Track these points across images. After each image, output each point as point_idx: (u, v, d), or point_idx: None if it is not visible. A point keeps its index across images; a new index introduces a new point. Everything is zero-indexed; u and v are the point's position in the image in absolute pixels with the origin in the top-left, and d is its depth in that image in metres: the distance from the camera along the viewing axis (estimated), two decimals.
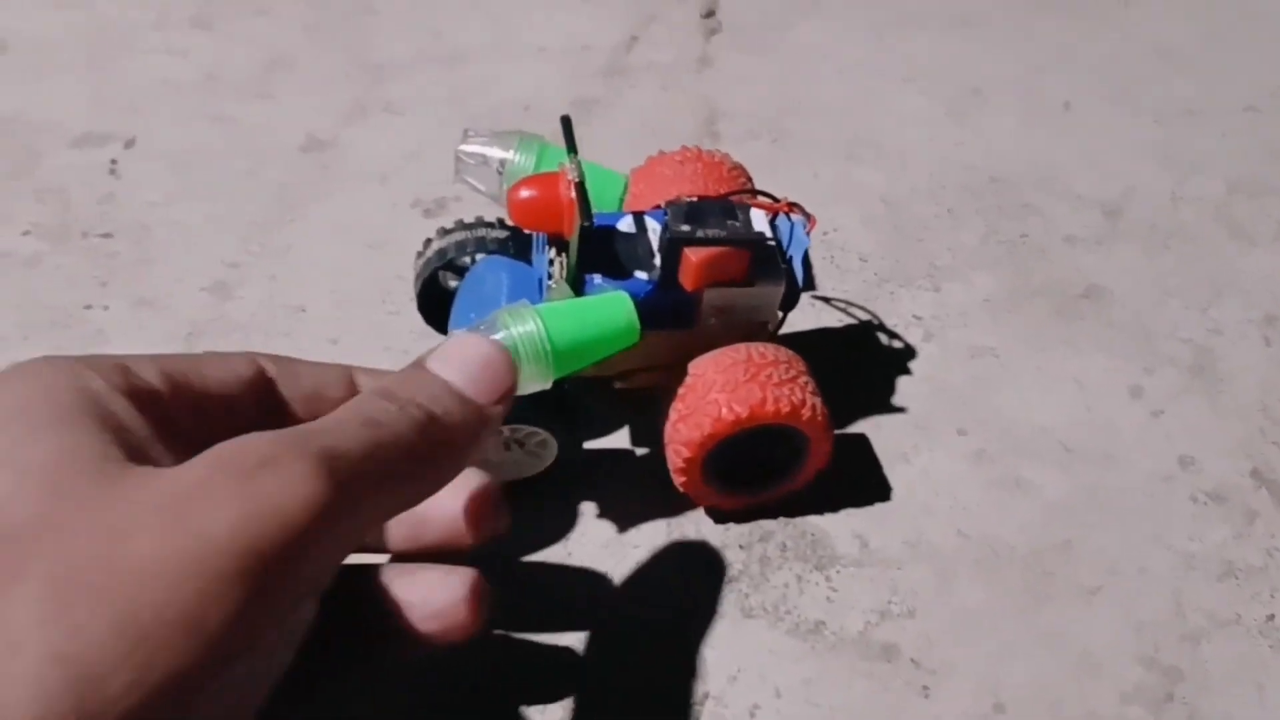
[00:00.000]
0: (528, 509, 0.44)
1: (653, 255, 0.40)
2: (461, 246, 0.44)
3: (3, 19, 0.62)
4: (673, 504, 0.44)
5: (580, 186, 0.38)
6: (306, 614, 0.26)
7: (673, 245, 0.38)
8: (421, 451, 0.22)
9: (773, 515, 0.43)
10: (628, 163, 0.55)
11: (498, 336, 0.35)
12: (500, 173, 0.41)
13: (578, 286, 0.39)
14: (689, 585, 0.42)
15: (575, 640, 0.40)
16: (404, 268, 0.52)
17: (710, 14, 0.62)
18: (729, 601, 0.41)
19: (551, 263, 0.40)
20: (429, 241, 0.45)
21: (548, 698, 0.39)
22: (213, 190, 0.55)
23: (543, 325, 0.36)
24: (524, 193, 0.39)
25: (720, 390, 0.39)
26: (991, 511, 0.44)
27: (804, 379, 0.40)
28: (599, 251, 0.40)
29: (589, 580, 0.42)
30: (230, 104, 0.59)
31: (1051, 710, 0.39)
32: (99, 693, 0.17)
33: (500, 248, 0.44)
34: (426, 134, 0.57)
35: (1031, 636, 0.41)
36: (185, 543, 0.18)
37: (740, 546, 0.43)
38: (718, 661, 0.40)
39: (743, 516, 0.44)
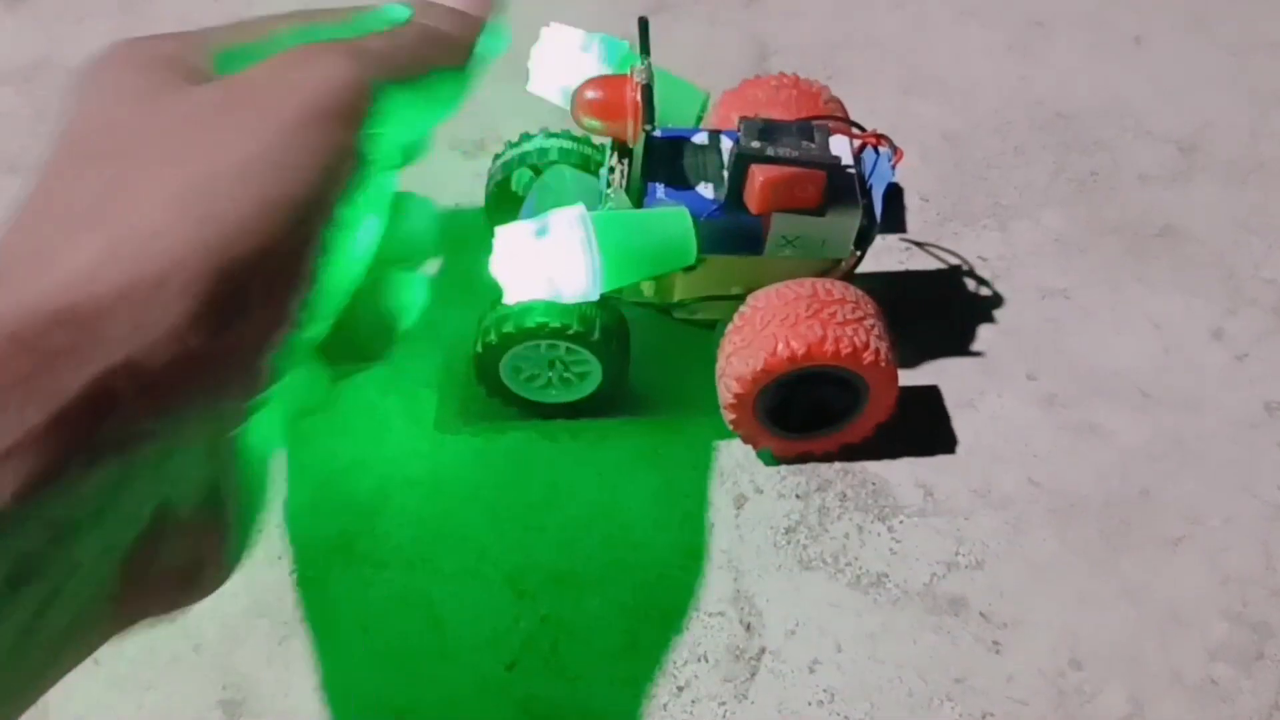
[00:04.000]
0: (571, 453, 0.42)
1: (722, 173, 0.37)
2: (543, 153, 0.43)
3: None
4: (727, 449, 0.42)
5: (647, 89, 0.36)
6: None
7: (740, 162, 0.36)
8: (424, 48, 0.28)
9: (829, 462, 0.41)
10: None
11: (551, 236, 0.35)
12: (579, 82, 0.39)
13: (639, 196, 0.37)
14: (743, 535, 0.40)
15: (625, 593, 0.39)
16: (443, 209, 0.50)
17: None
18: (786, 553, 0.39)
19: (612, 169, 0.38)
20: (507, 147, 0.45)
21: (598, 654, 0.37)
22: None
23: (593, 232, 0.35)
24: (590, 93, 0.38)
25: (779, 324, 0.37)
26: (1064, 459, 0.41)
27: (871, 321, 0.38)
28: (667, 164, 0.38)
29: (638, 530, 0.40)
30: None
31: (1132, 667, 0.36)
32: (225, 232, 0.22)
33: (566, 157, 0.43)
34: None
35: (1109, 589, 0.38)
36: (280, 113, 0.23)
37: (797, 495, 0.41)
38: (775, 615, 0.38)
39: (796, 462, 0.41)
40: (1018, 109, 0.52)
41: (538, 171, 0.44)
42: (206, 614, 0.38)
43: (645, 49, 0.38)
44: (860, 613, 0.38)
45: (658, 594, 0.39)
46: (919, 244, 0.48)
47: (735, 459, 0.42)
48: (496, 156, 0.45)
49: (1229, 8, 0.56)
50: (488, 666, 0.37)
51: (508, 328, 0.38)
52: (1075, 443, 0.42)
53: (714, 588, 0.38)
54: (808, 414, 0.39)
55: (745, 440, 0.41)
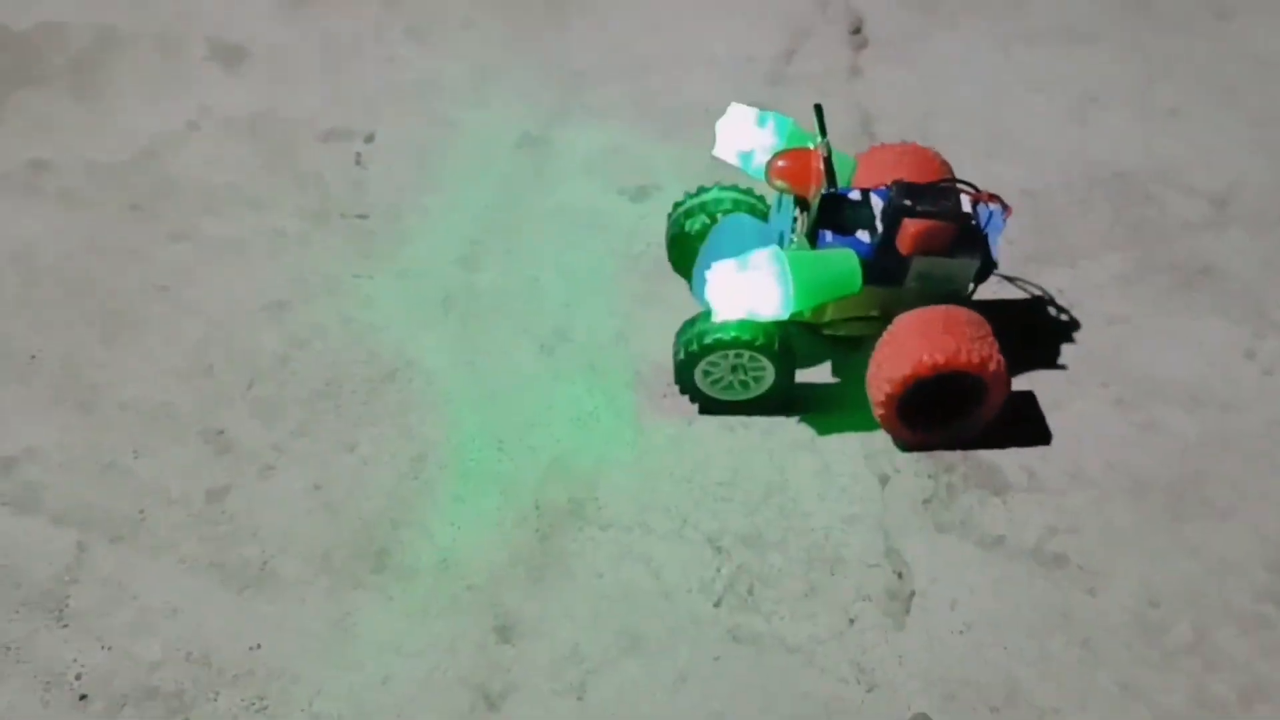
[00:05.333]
0: (747, 441, 0.53)
1: (874, 222, 0.49)
2: (719, 203, 0.55)
3: (237, 32, 0.71)
4: (868, 439, 0.53)
5: (828, 162, 0.50)
6: None
7: (894, 215, 0.48)
8: None
9: (951, 449, 0.52)
10: None
11: (756, 271, 0.48)
12: (754, 149, 0.53)
13: (813, 240, 0.50)
14: (888, 505, 0.51)
15: (801, 550, 0.49)
16: (616, 243, 0.61)
17: (857, 30, 0.71)
18: (924, 518, 0.50)
19: (795, 220, 0.50)
20: (687, 197, 0.57)
21: (787, 595, 0.48)
22: (448, 180, 0.64)
23: (789, 266, 0.47)
24: (781, 162, 0.51)
25: (920, 339, 0.48)
26: (1134, 448, 0.53)
27: (990, 338, 0.49)
28: (832, 214, 0.50)
29: (806, 500, 0.51)
30: (451, 107, 0.68)
31: (1196, 603, 0.47)
32: None
33: (738, 206, 0.55)
34: (622, 133, 0.66)
35: (1175, 548, 0.49)
36: None
37: (929, 476, 0.52)
38: (920, 567, 0.49)
39: (924, 449, 0.52)
40: (1080, 168, 0.63)
41: (713, 218, 0.55)
42: (475, 562, 0.49)
43: (823, 129, 0.50)
44: (986, 565, 0.49)
45: (826, 550, 0.49)
46: (1009, 278, 0.59)
47: (877, 446, 0.52)
48: (677, 204, 0.56)
49: (1254, 82, 0.68)
50: (699, 605, 0.48)
51: (709, 340, 0.50)
52: (1142, 435, 0.53)
53: (870, 545, 0.49)
54: (937, 412, 0.51)
55: (889, 432, 0.52)
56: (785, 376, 0.52)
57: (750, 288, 0.47)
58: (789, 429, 0.53)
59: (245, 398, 0.55)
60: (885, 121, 0.67)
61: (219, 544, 0.51)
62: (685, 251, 0.56)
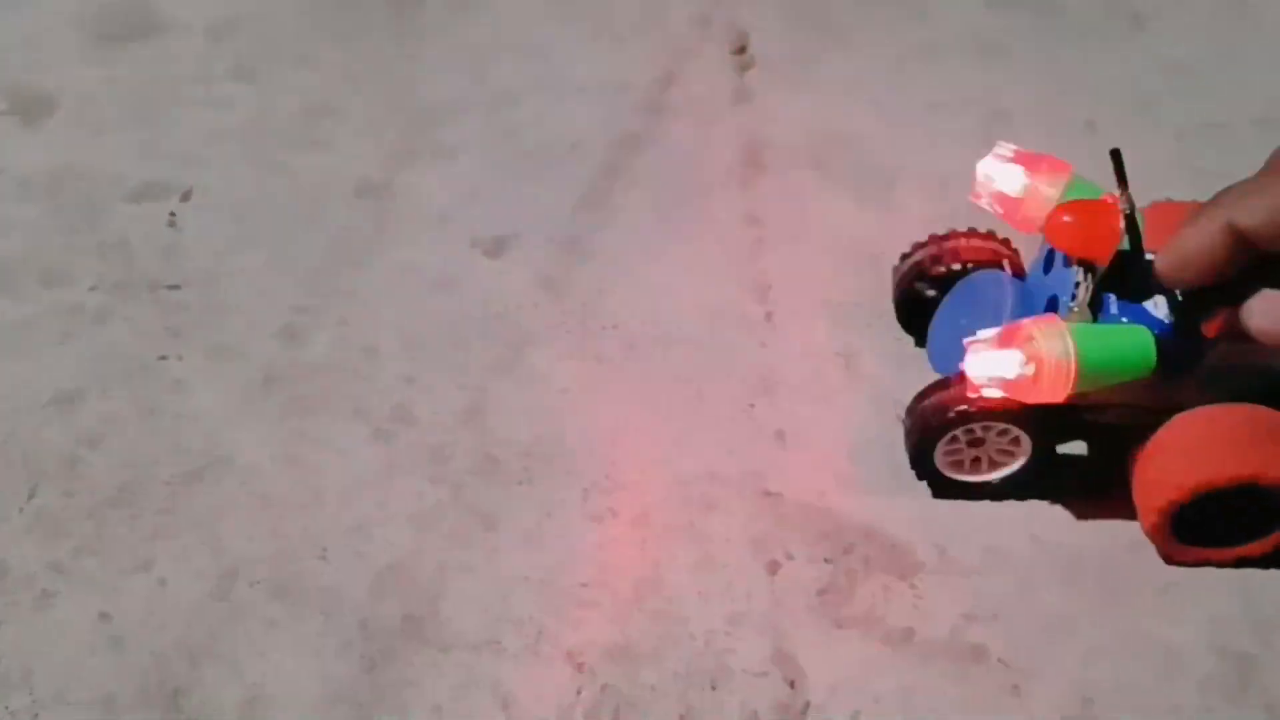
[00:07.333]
0: (616, 530, 0.45)
1: (1174, 293, 0.40)
2: (938, 259, 0.48)
3: (49, 78, 0.64)
4: (755, 520, 0.45)
5: (1131, 219, 0.40)
6: None
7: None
8: None
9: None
10: (674, 196, 0.57)
11: (1030, 344, 0.39)
12: (1020, 194, 0.43)
13: (1095, 309, 0.41)
14: (781, 601, 0.43)
15: (676, 671, 0.42)
16: (469, 305, 0.53)
17: (741, 50, 0.65)
18: (820, 612, 0.43)
19: (1077, 285, 0.41)
20: (911, 251, 0.49)
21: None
22: (274, 237, 0.57)
23: (1073, 344, 0.38)
24: (1068, 217, 0.41)
25: (1225, 444, 0.40)
26: (1061, 517, 0.46)
27: None
28: (1119, 279, 0.41)
29: (681, 609, 0.44)
30: (281, 152, 0.61)
31: (1136, 703, 0.41)
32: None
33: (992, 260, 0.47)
34: (478, 174, 0.59)
35: (1111, 634, 0.42)
36: None
37: (825, 560, 0.45)
38: (816, 673, 0.42)
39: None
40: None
41: (963, 269, 0.47)
42: (288, 700, 0.41)
43: (1123, 178, 0.41)
44: (892, 666, 0.42)
45: (706, 660, 0.42)
46: None
47: (764, 528, 0.45)
48: (905, 256, 0.49)
49: (1169, 92, 0.62)
50: None
51: (955, 411, 0.42)
52: (1072, 500, 0.46)
53: (757, 650, 0.42)
54: (1222, 527, 0.42)
55: (1156, 544, 0.44)
56: (1043, 452, 0.44)
57: (1022, 363, 0.39)
58: (664, 512, 0.46)
59: (23, 511, 0.46)
60: (775, 149, 0.60)
61: None
62: (916, 307, 0.49)
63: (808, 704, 0.41)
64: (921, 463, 0.45)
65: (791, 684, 0.41)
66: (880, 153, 0.60)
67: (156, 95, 0.63)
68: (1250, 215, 0.36)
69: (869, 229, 0.56)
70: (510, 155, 0.60)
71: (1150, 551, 0.44)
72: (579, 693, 0.41)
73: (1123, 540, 0.45)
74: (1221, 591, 0.43)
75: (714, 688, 0.41)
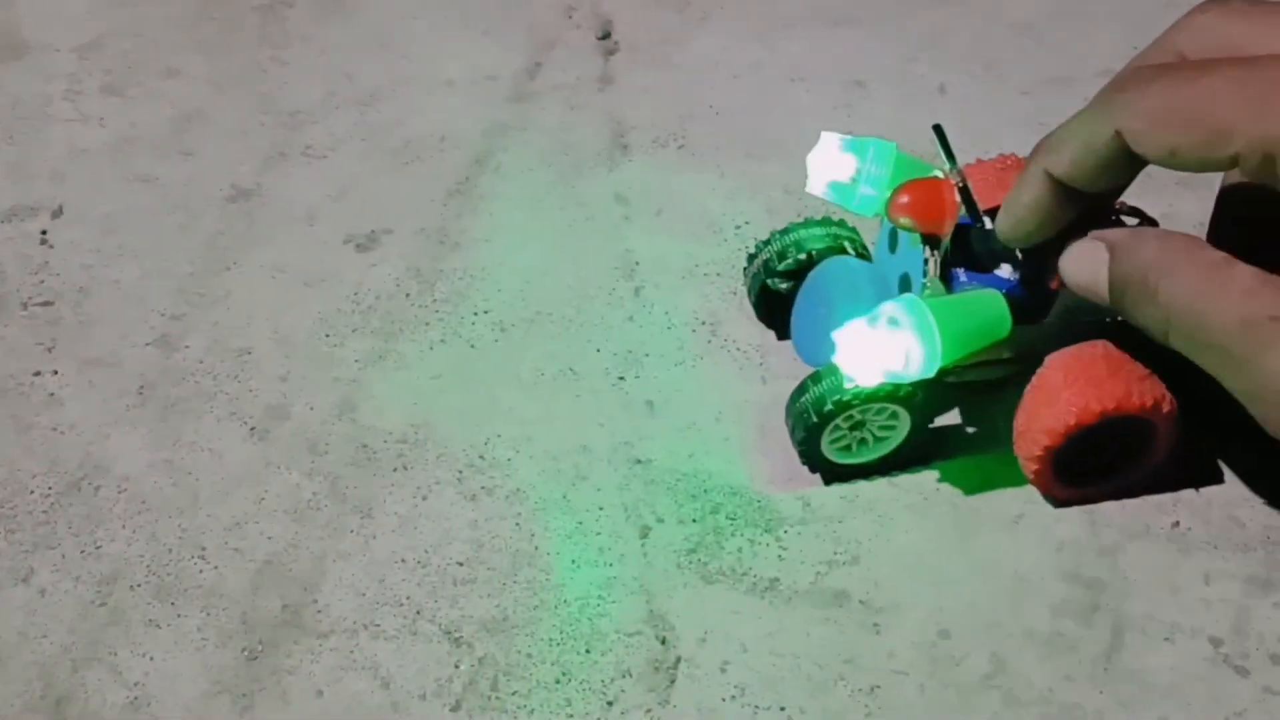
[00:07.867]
0: (492, 508, 0.46)
1: (1014, 254, 0.42)
2: (783, 254, 0.48)
3: None
4: (627, 488, 0.47)
5: (965, 191, 0.42)
6: None
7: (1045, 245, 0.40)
8: None
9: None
10: (543, 181, 0.59)
11: (895, 327, 0.40)
12: (853, 180, 0.44)
13: (947, 281, 0.43)
14: (652, 562, 0.45)
15: (551, 638, 0.43)
16: (341, 300, 0.54)
17: (606, 35, 0.66)
18: (690, 570, 0.45)
19: (926, 260, 0.43)
20: (773, 237, 0.50)
21: (522, 698, 0.42)
22: (146, 248, 0.57)
23: (933, 319, 0.40)
24: (905, 196, 0.42)
25: (1085, 383, 0.42)
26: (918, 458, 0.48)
27: (1154, 376, 0.43)
28: (962, 249, 0.43)
29: (555, 578, 0.45)
30: (151, 163, 0.61)
31: (990, 630, 0.43)
32: None
33: (835, 242, 0.48)
34: (348, 173, 0.60)
35: (966, 567, 0.44)
36: None
37: (694, 520, 0.46)
38: (686, 629, 0.43)
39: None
40: None
41: (808, 260, 0.48)
42: (171, 697, 0.41)
43: (950, 154, 0.43)
44: (759, 616, 0.43)
45: (580, 625, 0.43)
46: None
47: (635, 495, 0.47)
48: (752, 256, 0.50)
49: (1017, 53, 0.65)
50: (435, 711, 0.41)
51: (831, 403, 0.43)
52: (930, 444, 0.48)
53: (630, 611, 0.43)
54: (1096, 462, 0.44)
55: (1040, 489, 0.46)
56: (922, 424, 0.45)
57: (890, 347, 0.40)
58: (537, 488, 0.47)
59: None
60: (640, 130, 0.62)
61: None
62: (773, 300, 0.50)
63: (679, 658, 0.42)
64: (811, 457, 0.46)
65: (663, 640, 0.43)
66: (741, 127, 0.61)
67: (26, 115, 0.63)
68: (1059, 160, 0.37)
69: (733, 201, 0.57)
70: (380, 152, 0.60)
71: (1001, 486, 0.46)
72: (457, 666, 0.42)
73: (975, 476, 0.47)
74: (1069, 520, 0.46)
75: (588, 650, 0.43)
